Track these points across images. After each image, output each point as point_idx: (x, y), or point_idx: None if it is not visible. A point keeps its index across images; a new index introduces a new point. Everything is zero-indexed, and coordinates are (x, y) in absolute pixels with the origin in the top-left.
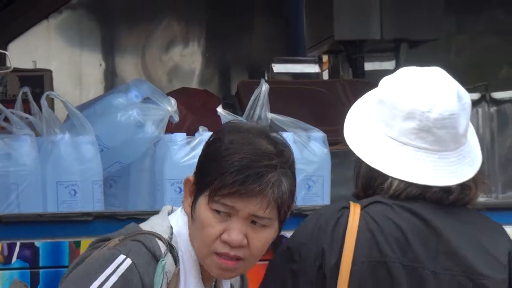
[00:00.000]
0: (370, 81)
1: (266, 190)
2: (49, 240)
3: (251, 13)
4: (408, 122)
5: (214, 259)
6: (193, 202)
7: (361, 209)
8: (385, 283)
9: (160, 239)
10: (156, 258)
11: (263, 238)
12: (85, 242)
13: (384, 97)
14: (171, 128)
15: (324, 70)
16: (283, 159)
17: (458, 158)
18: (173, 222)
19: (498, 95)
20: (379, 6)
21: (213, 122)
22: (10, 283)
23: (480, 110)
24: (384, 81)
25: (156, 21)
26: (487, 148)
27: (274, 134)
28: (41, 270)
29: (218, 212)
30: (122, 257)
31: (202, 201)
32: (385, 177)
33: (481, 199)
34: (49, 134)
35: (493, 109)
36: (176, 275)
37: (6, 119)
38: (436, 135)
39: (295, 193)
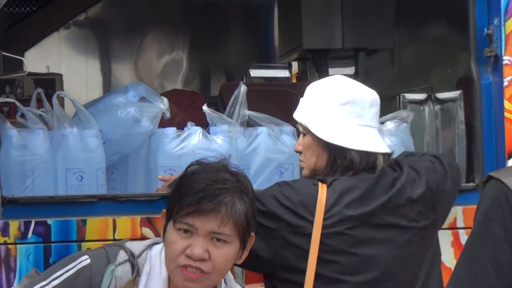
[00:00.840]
0: None
1: (219, 208)
2: (59, 219)
3: (229, 25)
4: (373, 108)
5: (179, 272)
6: (164, 229)
7: (327, 186)
8: (349, 239)
9: (125, 251)
10: (108, 261)
11: (224, 254)
12: (91, 220)
13: (352, 97)
14: (163, 123)
15: (293, 75)
16: (238, 185)
17: None
18: (158, 247)
19: (441, 95)
20: (341, 20)
21: (199, 118)
22: (27, 257)
23: (426, 108)
24: (338, 89)
25: (148, 34)
26: (432, 140)
27: (234, 168)
28: (52, 244)
29: (182, 231)
30: (85, 257)
31: (170, 225)
32: (375, 155)
33: None
34: (59, 128)
35: (437, 107)
36: (132, 282)
37: (22, 116)
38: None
39: (253, 217)
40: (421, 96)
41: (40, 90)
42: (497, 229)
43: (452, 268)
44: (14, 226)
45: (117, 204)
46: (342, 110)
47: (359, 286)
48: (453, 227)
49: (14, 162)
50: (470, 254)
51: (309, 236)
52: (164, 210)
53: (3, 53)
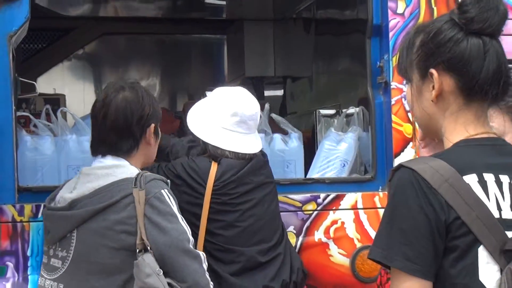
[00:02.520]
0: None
1: None
2: None
3: (191, 58)
4: (234, 117)
5: None
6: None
7: (218, 164)
8: (232, 196)
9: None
10: (164, 181)
11: None
12: None
13: (221, 106)
14: None
15: None
16: None
17: (254, 138)
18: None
19: (347, 111)
20: (273, 55)
21: (167, 128)
22: (37, 231)
23: (336, 121)
24: (215, 95)
25: (130, 64)
26: None
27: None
28: None
29: None
30: (162, 191)
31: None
32: (222, 150)
33: (332, 176)
34: (62, 135)
35: (343, 120)
36: None
37: (35, 126)
38: (248, 124)
39: None
40: (331, 111)
41: (48, 106)
42: (413, 205)
43: (355, 238)
44: (28, 208)
45: None
46: (213, 113)
47: (246, 225)
48: (354, 208)
49: (28, 160)
50: (392, 225)
51: (201, 194)
52: (153, 125)
53: (20, 78)
